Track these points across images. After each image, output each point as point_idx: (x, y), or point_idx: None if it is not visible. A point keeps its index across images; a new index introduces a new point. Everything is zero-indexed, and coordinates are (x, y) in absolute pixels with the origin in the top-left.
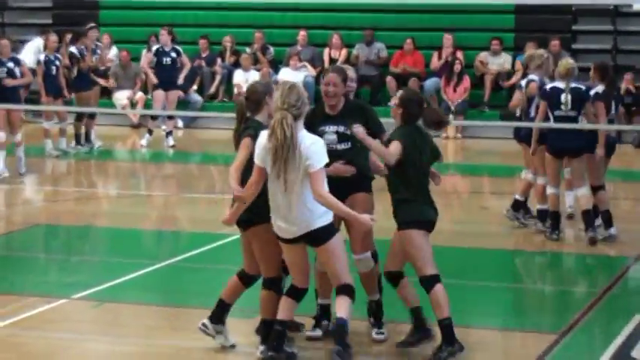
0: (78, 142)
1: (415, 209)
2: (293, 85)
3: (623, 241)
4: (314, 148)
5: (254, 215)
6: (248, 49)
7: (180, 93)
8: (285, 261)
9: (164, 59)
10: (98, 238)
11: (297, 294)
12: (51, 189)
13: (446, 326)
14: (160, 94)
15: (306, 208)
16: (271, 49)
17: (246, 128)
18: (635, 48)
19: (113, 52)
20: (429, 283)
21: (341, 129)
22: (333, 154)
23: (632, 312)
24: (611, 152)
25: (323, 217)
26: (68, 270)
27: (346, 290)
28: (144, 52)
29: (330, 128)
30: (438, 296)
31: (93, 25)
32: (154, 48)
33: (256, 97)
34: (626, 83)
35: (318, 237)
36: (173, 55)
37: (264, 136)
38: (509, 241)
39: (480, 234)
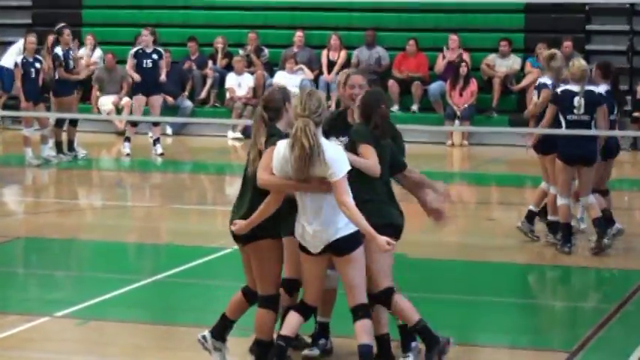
0: (60, 151)
1: (383, 211)
2: (312, 90)
3: (638, 254)
4: (335, 156)
5: (258, 229)
6: (241, 51)
7: (164, 97)
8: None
9: (145, 61)
10: (82, 252)
11: (305, 311)
12: (32, 200)
13: (422, 329)
14: (140, 99)
15: (334, 215)
16: (266, 50)
17: (272, 136)
18: None
19: (97, 54)
20: (386, 296)
21: None
22: None
23: None
24: (612, 155)
25: (350, 225)
26: (50, 286)
27: (364, 312)
28: (130, 53)
29: (345, 139)
30: (401, 305)
31: (63, 24)
32: (134, 49)
33: (275, 105)
34: None
35: (342, 246)
36: (155, 57)
37: (283, 146)
38: (519, 254)
39: (487, 247)
